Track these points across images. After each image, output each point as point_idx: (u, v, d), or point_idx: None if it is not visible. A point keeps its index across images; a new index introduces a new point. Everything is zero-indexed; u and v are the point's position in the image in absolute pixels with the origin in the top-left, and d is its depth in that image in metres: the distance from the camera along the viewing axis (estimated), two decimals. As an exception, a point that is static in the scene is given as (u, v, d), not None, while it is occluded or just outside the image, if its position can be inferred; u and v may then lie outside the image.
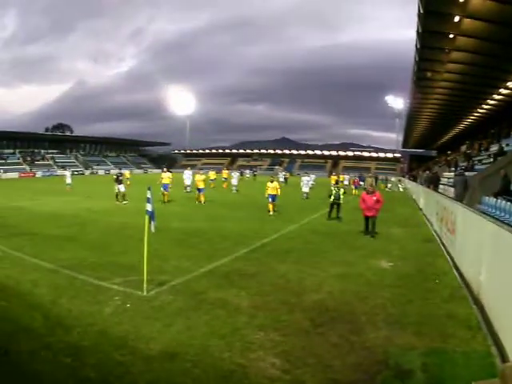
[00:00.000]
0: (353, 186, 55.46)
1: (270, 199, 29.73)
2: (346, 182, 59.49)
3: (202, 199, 36.07)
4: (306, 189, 44.87)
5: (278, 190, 30.23)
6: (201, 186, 36.63)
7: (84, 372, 6.77)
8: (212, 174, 56.89)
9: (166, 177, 37.02)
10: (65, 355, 7.30)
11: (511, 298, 7.46)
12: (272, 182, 30.37)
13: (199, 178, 37.26)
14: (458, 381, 6.66)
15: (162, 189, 36.01)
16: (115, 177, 36.39)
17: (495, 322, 8.55)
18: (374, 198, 21.18)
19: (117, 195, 35.22)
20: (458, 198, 26.54)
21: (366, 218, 21.57)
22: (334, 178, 50.26)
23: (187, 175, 48.05)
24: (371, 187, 22.45)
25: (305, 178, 46.77)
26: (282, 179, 71.49)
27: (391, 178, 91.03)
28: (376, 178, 72.76)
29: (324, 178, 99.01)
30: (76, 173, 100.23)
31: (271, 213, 29.31)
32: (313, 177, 56.09)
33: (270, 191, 29.84)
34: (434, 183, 41.40)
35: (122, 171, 42.14)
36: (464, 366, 7.17)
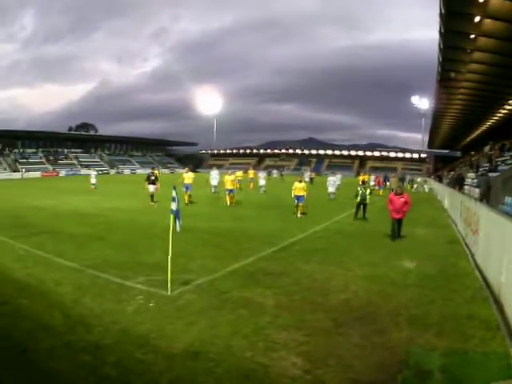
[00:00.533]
0: (377, 187, 54.16)
1: (297, 200, 28.08)
2: (372, 183, 56.25)
3: (230, 201, 34.41)
4: (332, 189, 43.73)
5: (305, 192, 28.47)
6: (230, 186, 34.67)
7: (104, 370, 6.82)
8: (239, 174, 53.51)
9: (189, 177, 35.09)
10: (85, 353, 7.36)
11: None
12: (300, 182, 28.75)
13: (228, 178, 35.08)
14: (477, 381, 6.69)
15: (184, 189, 33.71)
16: (147, 176, 35.17)
17: (513, 323, 8.42)
18: (402, 200, 20.16)
19: (152, 196, 33.47)
20: (483, 197, 26.33)
21: (394, 220, 20.30)
22: (361, 177, 48.53)
23: (214, 175, 46.32)
24: (399, 188, 21.47)
25: (331, 178, 45.12)
26: (307, 179, 68.55)
27: (417, 178, 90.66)
28: (403, 179, 71.12)
29: (351, 178, 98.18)
30: (101, 172, 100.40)
31: (299, 215, 27.67)
32: (339, 177, 53.93)
33: (296, 192, 28.19)
34: (458, 184, 41.18)
35: (155, 170, 39.62)
36: (483, 367, 7.18)
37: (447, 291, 11.68)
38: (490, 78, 42.01)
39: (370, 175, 62.99)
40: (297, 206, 28.23)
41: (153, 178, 34.41)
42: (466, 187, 42.40)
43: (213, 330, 8.59)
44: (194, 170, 49.42)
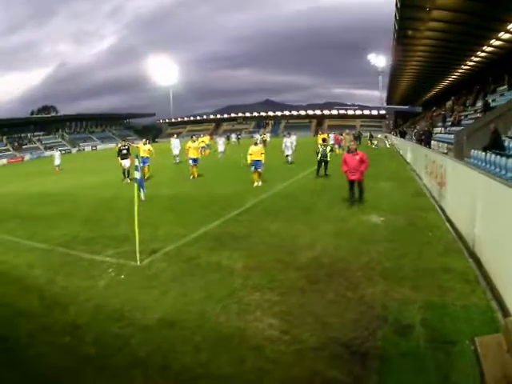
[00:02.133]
0: (336, 146, 50.71)
1: (254, 167, 25.08)
2: (331, 142, 52.06)
3: (194, 173, 29.81)
4: (288, 151, 39.23)
5: (263, 156, 25.43)
6: (194, 155, 29.82)
7: (83, 349, 6.77)
8: (205, 139, 53.03)
9: (144, 150, 30.92)
10: (63, 334, 7.31)
11: (508, 250, 7.39)
12: (256, 145, 26.28)
13: (192, 145, 30.43)
14: (460, 335, 6.58)
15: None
16: (118, 149, 30.98)
17: (493, 276, 8.48)
18: (357, 158, 18.04)
19: (124, 172, 29.81)
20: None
21: (351, 183, 18.17)
22: (320, 136, 46.65)
23: (175, 144, 44.06)
24: (354, 145, 19.36)
25: (287, 140, 40.55)
26: (258, 142, 63.56)
27: (377, 134, 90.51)
28: (358, 136, 67.74)
29: (309, 137, 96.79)
30: (63, 152, 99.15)
31: (256, 183, 24.79)
32: (294, 137, 47.16)
33: (253, 157, 25.12)
34: (426, 139, 41.09)
35: (130, 142, 37.21)
36: (465, 321, 7.11)
37: (419, 244, 11.69)
38: (450, 35, 42.08)
39: (328, 134, 61.54)
40: (255, 173, 25.23)
41: (125, 151, 30.26)
42: (433, 142, 42.46)
43: (186, 297, 8.62)
44: (153, 141, 46.68)
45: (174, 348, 6.67)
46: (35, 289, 9.60)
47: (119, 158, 30.07)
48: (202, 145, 47.80)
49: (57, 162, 48.30)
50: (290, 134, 46.74)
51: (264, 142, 63.52)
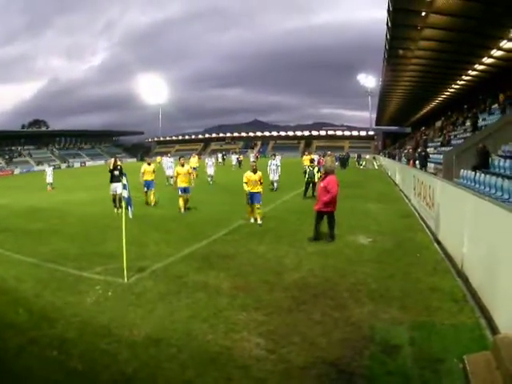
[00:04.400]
0: (318, 167, 47.37)
1: (251, 200, 18.99)
2: (315, 163, 49.73)
3: (183, 204, 22.85)
4: (274, 176, 33.42)
5: (261, 185, 19.27)
6: (184, 183, 22.80)
7: (71, 363, 6.77)
8: (193, 162, 44.16)
9: (150, 170, 26.24)
10: (51, 348, 7.30)
11: (496, 269, 7.44)
12: (255, 171, 19.13)
13: (181, 170, 23.09)
14: (448, 354, 6.64)
15: (145, 188, 25.95)
16: (109, 170, 24.27)
17: (482, 294, 8.54)
18: (322, 185, 15.20)
19: (115, 199, 23.38)
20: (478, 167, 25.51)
21: (317, 214, 15.30)
22: (307, 157, 44.71)
23: (168, 164, 39.36)
24: (328, 168, 15.90)
25: (272, 162, 33.85)
26: (234, 162, 68.81)
27: (366, 155, 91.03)
28: (346, 157, 70.21)
29: (298, 158, 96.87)
30: (53, 167, 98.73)
31: (258, 221, 18.92)
32: (278, 158, 39.51)
33: (250, 187, 18.93)
34: (422, 161, 40.56)
35: (123, 160, 31.45)
36: (453, 339, 7.17)
37: (407, 265, 11.79)
38: (442, 54, 42.32)
39: (313, 156, 60.21)
40: (251, 207, 19.21)
41: (117, 172, 23.22)
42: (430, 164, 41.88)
43: (172, 316, 8.64)
44: (140, 160, 43.83)
45: (160, 365, 6.69)
46: (23, 302, 9.60)
47: (111, 182, 23.77)
48: (194, 166, 42.71)
49: (49, 179, 43.44)
50: (275, 155, 42.22)
51: (240, 162, 63.09)
